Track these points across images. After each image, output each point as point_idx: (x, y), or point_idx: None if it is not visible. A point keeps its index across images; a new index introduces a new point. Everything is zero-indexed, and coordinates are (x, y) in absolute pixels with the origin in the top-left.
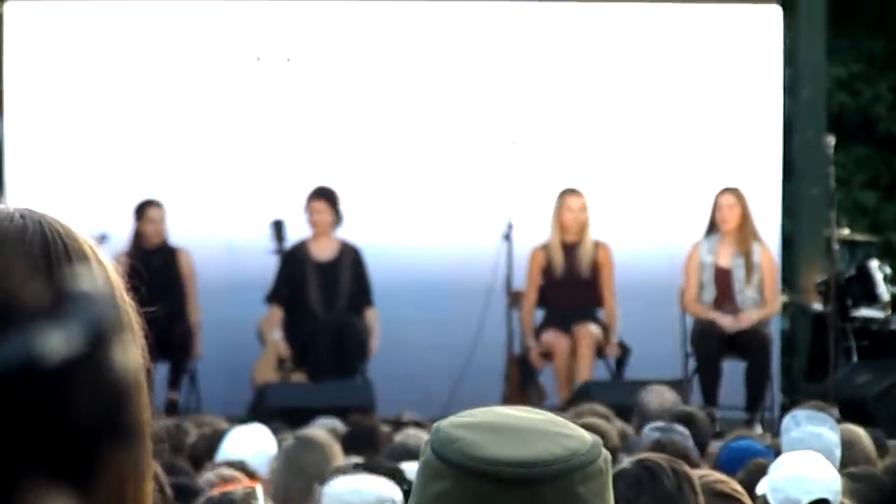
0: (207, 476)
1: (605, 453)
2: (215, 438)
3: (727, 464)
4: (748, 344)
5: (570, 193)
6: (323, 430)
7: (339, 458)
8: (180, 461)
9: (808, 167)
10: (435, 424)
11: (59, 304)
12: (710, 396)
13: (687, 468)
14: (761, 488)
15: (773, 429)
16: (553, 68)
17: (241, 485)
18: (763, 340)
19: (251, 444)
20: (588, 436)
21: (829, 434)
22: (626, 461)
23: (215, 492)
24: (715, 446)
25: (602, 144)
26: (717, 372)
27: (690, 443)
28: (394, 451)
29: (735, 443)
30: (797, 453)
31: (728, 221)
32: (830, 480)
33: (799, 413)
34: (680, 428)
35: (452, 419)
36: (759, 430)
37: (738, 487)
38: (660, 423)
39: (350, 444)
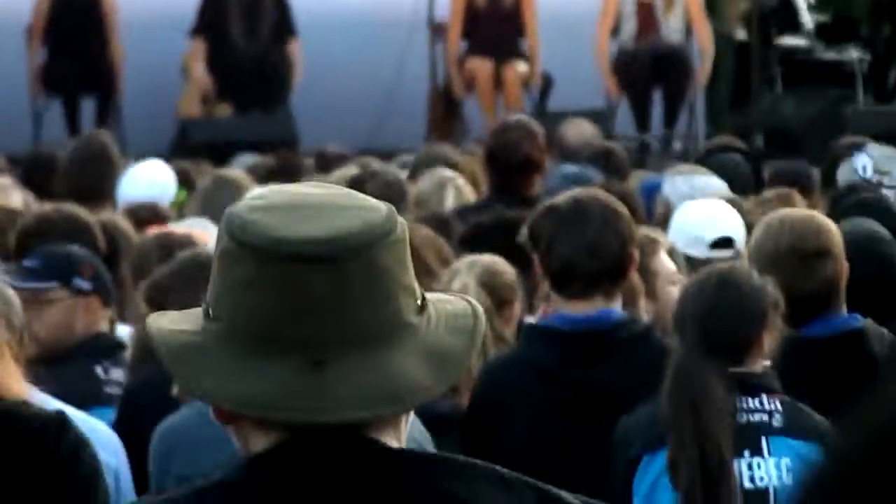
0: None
1: (402, 221)
2: None
3: (644, 199)
4: (670, 68)
5: None
6: (241, 168)
7: None
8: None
9: None
10: (227, 210)
11: None
12: (641, 123)
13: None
14: (670, 234)
15: (697, 158)
16: None
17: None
18: (684, 65)
19: (152, 182)
20: (383, 206)
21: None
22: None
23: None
24: (637, 177)
25: None
26: (646, 98)
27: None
28: None
29: (649, 180)
30: (695, 202)
31: None
32: (735, 222)
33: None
34: (591, 172)
35: (245, 202)
36: (675, 149)
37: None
38: (572, 168)
39: (274, 179)
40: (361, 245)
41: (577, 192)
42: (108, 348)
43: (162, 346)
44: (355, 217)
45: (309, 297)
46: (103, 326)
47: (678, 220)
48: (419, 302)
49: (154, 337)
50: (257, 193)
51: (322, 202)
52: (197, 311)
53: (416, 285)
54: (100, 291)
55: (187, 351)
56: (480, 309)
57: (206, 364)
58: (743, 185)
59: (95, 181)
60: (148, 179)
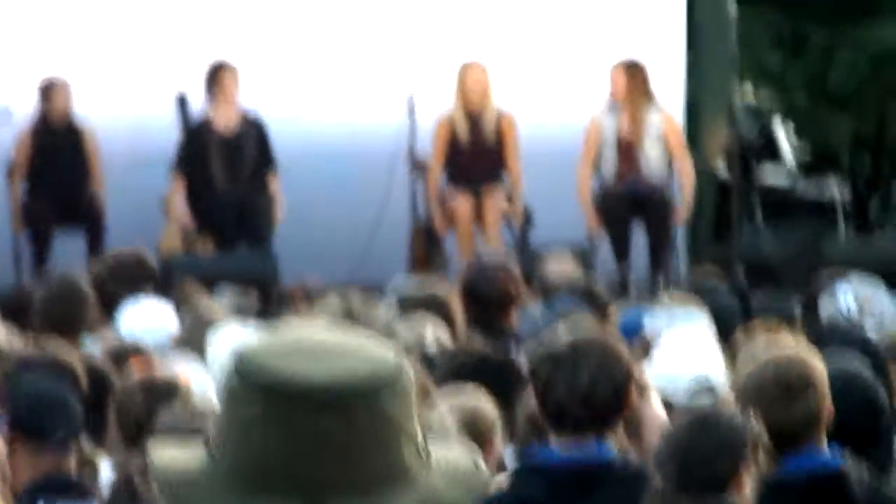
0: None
1: (409, 371)
2: None
3: (624, 335)
4: (651, 208)
5: (470, 65)
6: (222, 305)
7: None
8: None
9: (711, 31)
10: (236, 350)
11: None
12: (620, 257)
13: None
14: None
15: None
16: None
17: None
18: (666, 204)
19: (149, 318)
20: (392, 354)
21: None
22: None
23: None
24: (619, 311)
25: (505, 14)
26: (626, 238)
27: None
28: None
29: (629, 314)
30: (674, 333)
31: (618, 93)
32: (714, 360)
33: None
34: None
35: (255, 342)
36: (658, 293)
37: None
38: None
39: (254, 315)
40: (368, 391)
41: (575, 336)
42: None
43: (163, 483)
44: (364, 363)
45: (313, 440)
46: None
47: (657, 361)
48: (421, 450)
49: (156, 472)
50: (268, 334)
51: (332, 346)
52: (200, 448)
53: (419, 433)
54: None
55: (188, 488)
56: (482, 463)
57: (206, 502)
58: (729, 318)
59: (68, 318)
60: (149, 316)
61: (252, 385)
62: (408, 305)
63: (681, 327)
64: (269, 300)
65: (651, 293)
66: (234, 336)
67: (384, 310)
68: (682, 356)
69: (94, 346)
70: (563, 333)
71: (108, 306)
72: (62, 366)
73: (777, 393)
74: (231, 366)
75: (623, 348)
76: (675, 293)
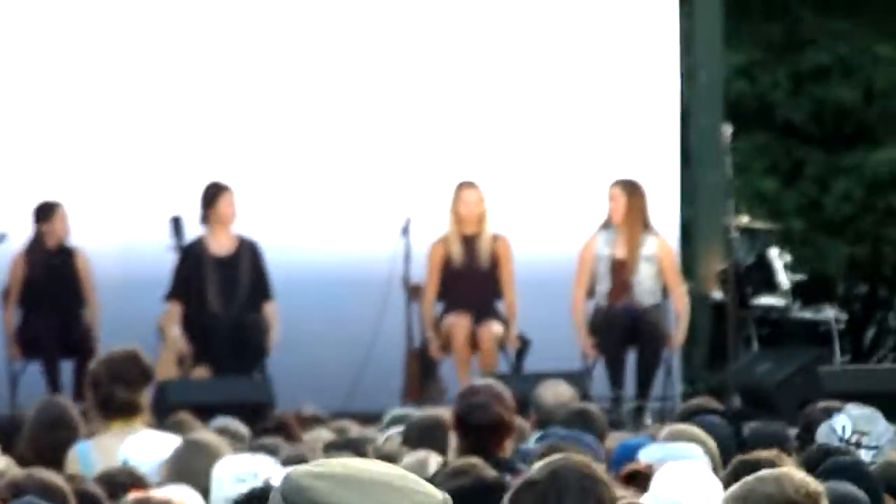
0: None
1: None
2: None
3: (616, 464)
4: (643, 332)
5: (466, 186)
6: (213, 432)
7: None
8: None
9: (705, 155)
10: (286, 472)
11: None
12: (615, 382)
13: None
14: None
15: (674, 419)
16: (447, 60)
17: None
18: (657, 329)
19: (146, 448)
20: (438, 493)
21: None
22: (536, 468)
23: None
24: (614, 438)
25: (498, 137)
26: (620, 359)
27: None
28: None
29: (626, 443)
30: (672, 466)
31: (616, 214)
32: (711, 494)
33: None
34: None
35: (304, 467)
36: (648, 420)
37: None
38: (559, 431)
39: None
40: None
41: (554, 461)
42: None
43: None
44: (408, 500)
45: None
46: None
47: (654, 492)
48: None
49: None
50: (319, 461)
51: (378, 480)
52: None
53: None
54: None
55: None
56: None
57: None
58: (724, 447)
59: (55, 446)
60: (146, 446)
61: None
62: (411, 433)
63: (678, 461)
64: (264, 427)
65: (638, 419)
66: (235, 465)
67: (385, 438)
68: (679, 489)
69: (91, 455)
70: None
71: (106, 406)
72: (52, 490)
73: None
74: (279, 487)
75: (602, 472)
76: (672, 427)
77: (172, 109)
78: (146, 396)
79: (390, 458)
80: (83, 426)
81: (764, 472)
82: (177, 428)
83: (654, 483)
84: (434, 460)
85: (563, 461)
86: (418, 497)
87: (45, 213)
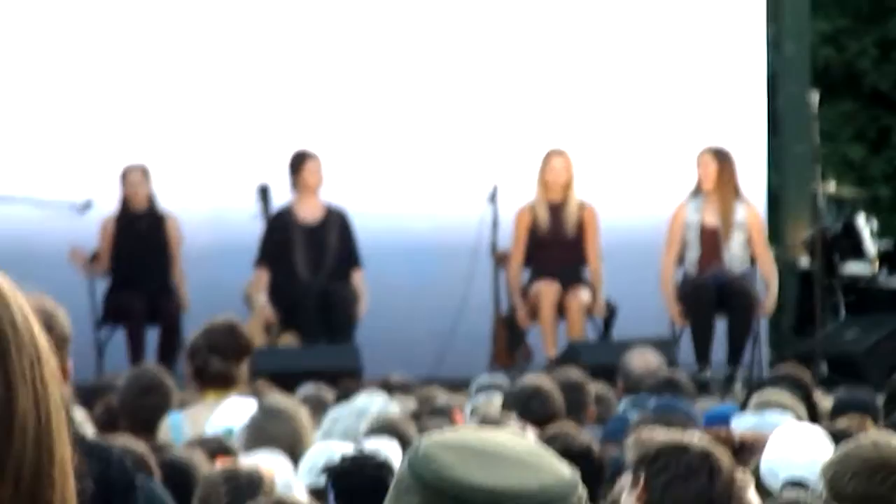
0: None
1: (581, 493)
2: None
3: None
4: (734, 299)
5: (554, 154)
6: (295, 398)
7: (310, 426)
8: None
9: (793, 123)
10: (420, 438)
11: None
12: (701, 355)
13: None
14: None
15: (760, 386)
16: (536, 28)
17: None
18: (748, 296)
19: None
20: (567, 472)
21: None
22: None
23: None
24: (701, 406)
25: (586, 104)
26: (709, 329)
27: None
28: None
29: (714, 411)
30: (788, 430)
31: (707, 181)
32: (814, 459)
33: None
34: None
35: (435, 437)
36: (738, 387)
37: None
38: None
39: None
40: None
41: (687, 441)
42: None
43: None
44: (534, 477)
45: None
46: None
47: (768, 455)
48: None
49: None
50: (452, 431)
51: (509, 454)
52: None
53: None
54: None
55: None
56: None
57: None
58: (814, 415)
59: (148, 413)
60: (235, 413)
61: (417, 477)
62: (510, 399)
63: (782, 426)
64: (351, 395)
65: (728, 387)
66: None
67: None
68: (784, 454)
69: (184, 425)
70: (665, 436)
71: (201, 376)
72: (134, 458)
73: (876, 469)
74: (407, 454)
75: (726, 456)
76: (762, 395)
77: (261, 78)
78: (243, 370)
79: (495, 423)
80: (175, 394)
81: (861, 438)
82: (256, 395)
83: (769, 446)
84: (530, 429)
85: (692, 443)
86: (544, 474)
87: (130, 176)
